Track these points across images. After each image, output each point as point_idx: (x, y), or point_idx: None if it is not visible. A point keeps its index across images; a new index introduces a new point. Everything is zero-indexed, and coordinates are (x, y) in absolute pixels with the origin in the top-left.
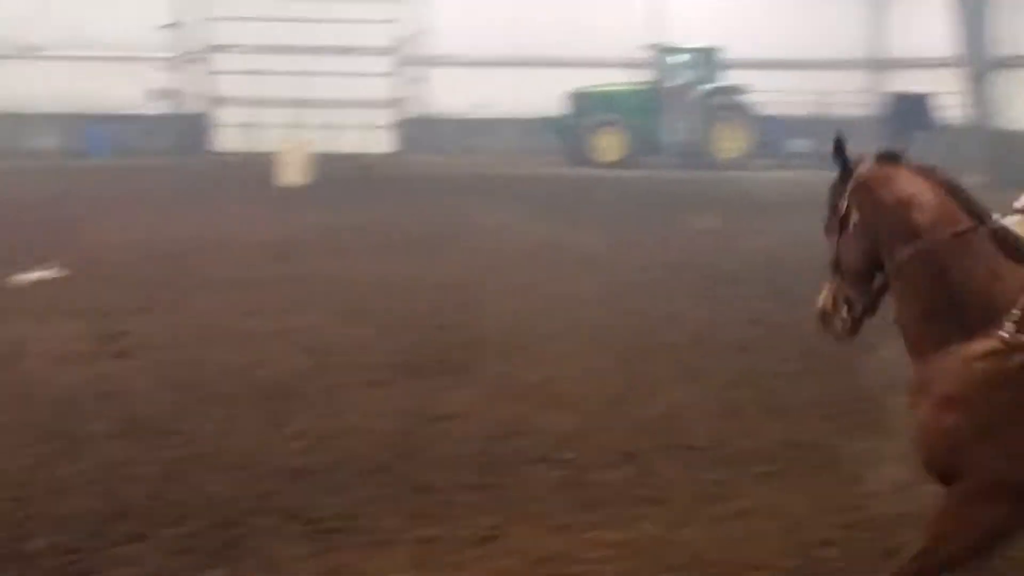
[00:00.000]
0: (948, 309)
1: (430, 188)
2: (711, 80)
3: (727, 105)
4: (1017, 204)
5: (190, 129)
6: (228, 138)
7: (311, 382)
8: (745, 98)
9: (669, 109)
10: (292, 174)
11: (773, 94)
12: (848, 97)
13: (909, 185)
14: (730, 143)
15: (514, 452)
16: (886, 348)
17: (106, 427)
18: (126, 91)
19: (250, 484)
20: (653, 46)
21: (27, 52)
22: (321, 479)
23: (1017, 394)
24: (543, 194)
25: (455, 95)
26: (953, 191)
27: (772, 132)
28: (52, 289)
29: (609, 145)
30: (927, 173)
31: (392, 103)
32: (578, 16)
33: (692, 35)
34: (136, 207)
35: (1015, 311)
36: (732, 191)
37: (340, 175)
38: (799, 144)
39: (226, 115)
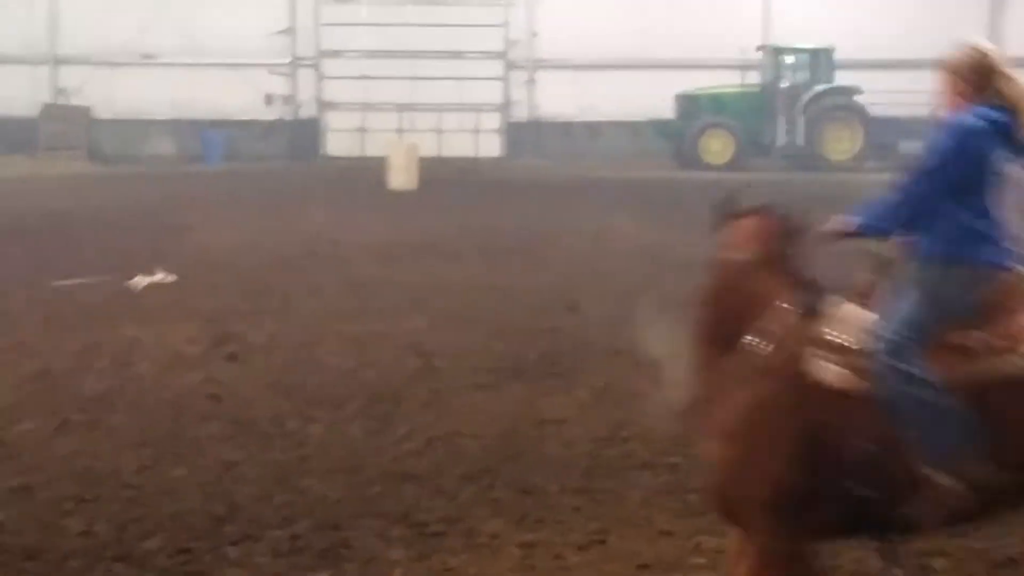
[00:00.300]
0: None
1: (537, 192)
2: (823, 81)
3: (839, 106)
4: (829, 227)
5: (302, 134)
6: (339, 143)
7: (418, 385)
8: (857, 99)
9: (779, 111)
10: (401, 178)
11: (886, 95)
12: None
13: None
14: (842, 145)
15: (619, 457)
16: None
17: (217, 429)
18: (240, 97)
19: (356, 487)
20: (763, 47)
21: (144, 59)
22: (427, 482)
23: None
24: (650, 197)
25: (562, 99)
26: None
27: (885, 134)
28: (165, 293)
29: (718, 148)
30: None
31: (500, 107)
32: (686, 18)
33: (803, 36)
34: (248, 211)
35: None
36: (843, 193)
37: (448, 179)
38: (913, 146)
39: (337, 120)
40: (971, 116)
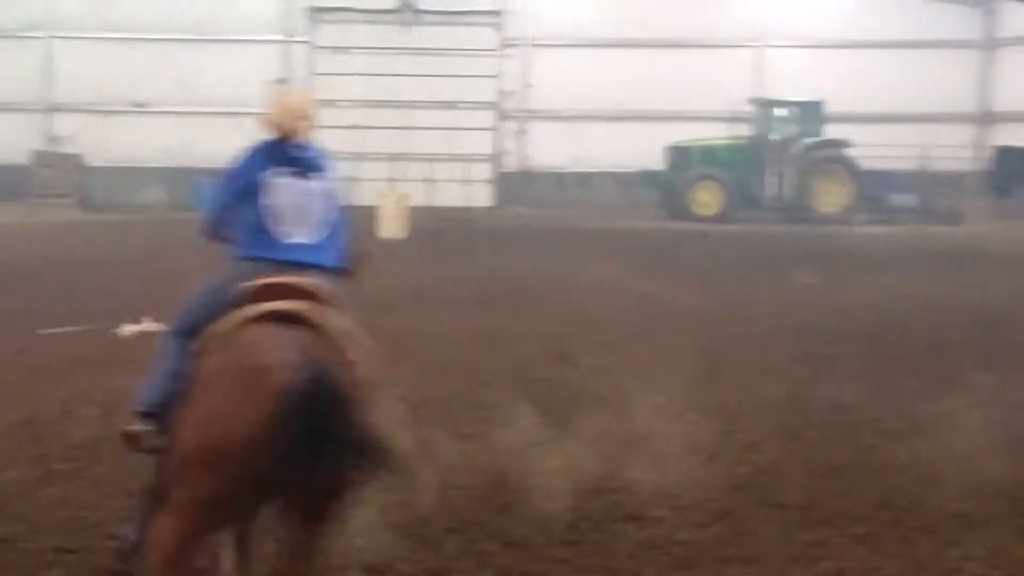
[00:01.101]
0: None
1: (528, 241)
2: (813, 134)
3: (829, 159)
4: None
5: None
6: None
7: (403, 433)
8: (848, 152)
9: (770, 163)
10: (392, 227)
11: (876, 148)
12: (953, 151)
13: None
14: (832, 197)
15: (606, 509)
16: (985, 409)
17: None
18: (234, 145)
19: (340, 539)
20: (755, 100)
21: (138, 108)
22: (412, 534)
23: None
24: (641, 248)
25: (554, 149)
26: None
27: (875, 186)
28: (153, 341)
29: (708, 199)
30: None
31: (491, 157)
32: (677, 70)
33: (794, 89)
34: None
35: None
36: (834, 246)
37: (439, 228)
38: (903, 199)
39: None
40: (255, 144)
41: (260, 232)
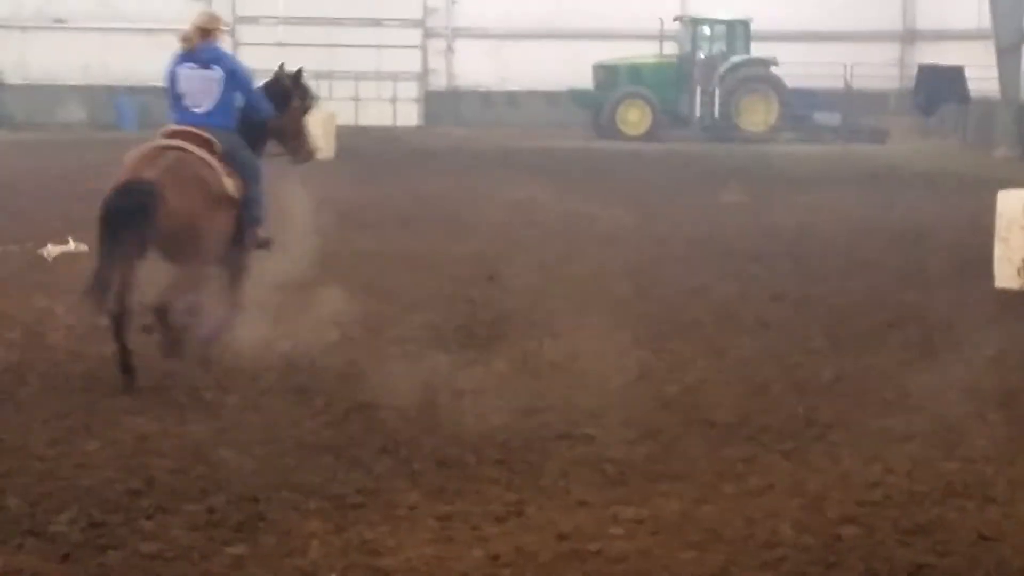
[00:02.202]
0: None
1: (456, 161)
2: (739, 53)
3: (755, 78)
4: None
5: None
6: None
7: (336, 355)
8: (773, 70)
9: (697, 82)
10: (318, 147)
11: (802, 66)
12: (878, 70)
13: None
14: (758, 116)
15: (537, 428)
16: (907, 326)
17: (131, 402)
18: (155, 63)
19: (273, 459)
20: (681, 18)
21: (56, 24)
22: (344, 454)
23: None
24: (569, 168)
25: (481, 68)
26: None
27: (800, 105)
28: (78, 262)
29: (636, 118)
30: None
31: (418, 76)
32: None
33: (720, 7)
34: None
35: None
36: (759, 165)
37: (366, 148)
38: (828, 117)
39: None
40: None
41: (177, 105)
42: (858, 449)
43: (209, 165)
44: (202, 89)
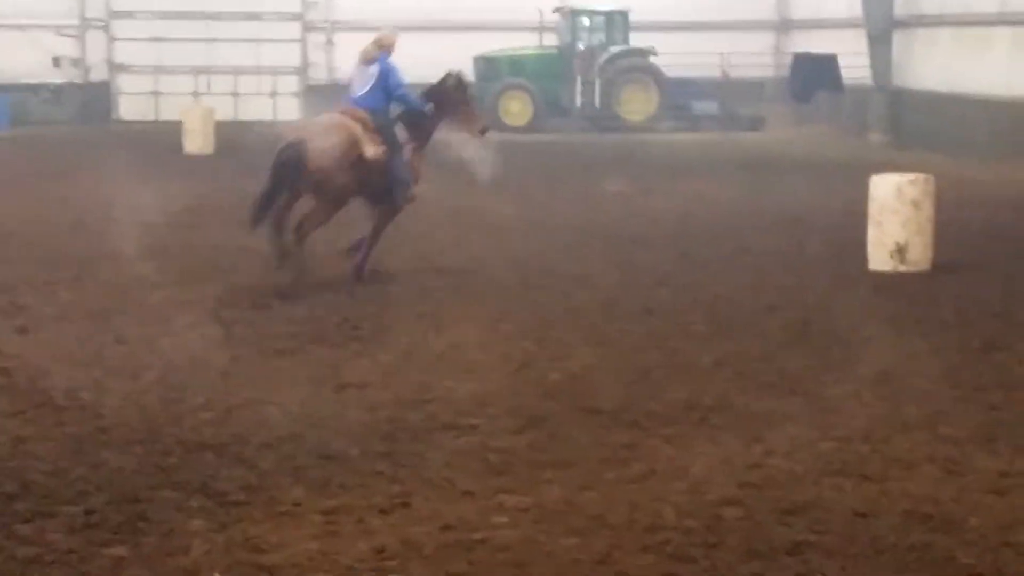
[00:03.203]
0: None
1: None
2: (618, 43)
3: (634, 68)
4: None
5: (94, 98)
6: (132, 107)
7: (218, 352)
8: (652, 60)
9: (577, 72)
10: (197, 142)
11: (680, 56)
12: (753, 59)
13: None
14: (638, 105)
15: (421, 420)
16: (785, 310)
17: (7, 404)
18: (26, 59)
19: (153, 458)
20: (560, 9)
21: None
22: (226, 451)
23: None
24: (450, 159)
25: None
26: None
27: (679, 94)
28: None
29: (517, 109)
30: None
31: (298, 70)
32: None
33: None
34: (38, 178)
35: None
36: (640, 154)
37: (246, 142)
38: (706, 106)
39: (130, 83)
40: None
41: (346, 93)
42: (739, 432)
43: (352, 134)
44: (361, 81)
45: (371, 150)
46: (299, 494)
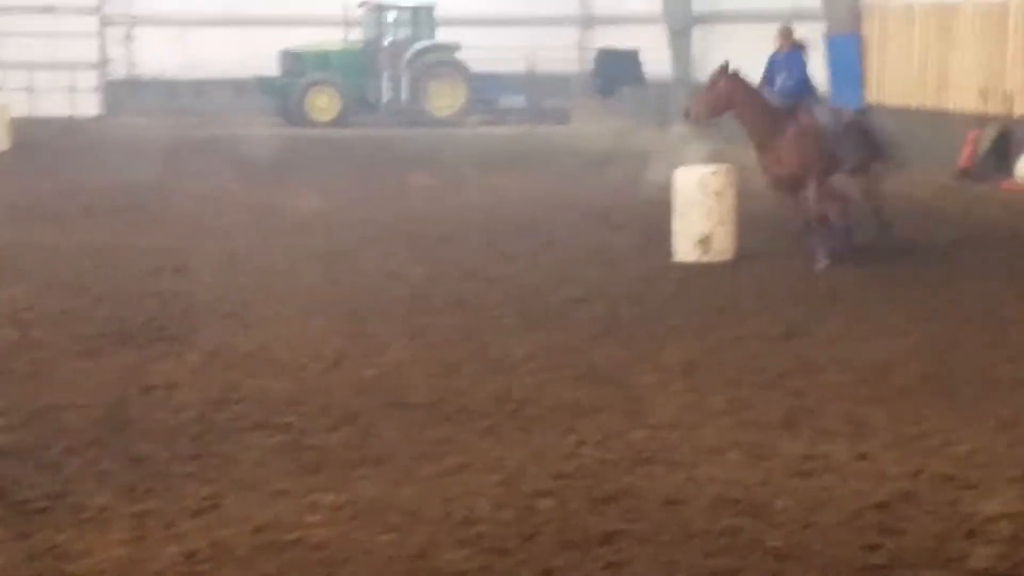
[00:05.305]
0: None
1: (141, 152)
2: (424, 38)
3: (441, 62)
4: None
5: None
6: None
7: (17, 356)
8: (458, 55)
9: (384, 67)
10: None
11: (486, 51)
12: (558, 53)
13: None
14: (445, 100)
15: (231, 419)
16: (594, 302)
17: None
18: None
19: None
20: (365, 3)
21: None
22: (28, 457)
23: None
24: (258, 156)
25: (164, 56)
26: None
27: (486, 89)
28: None
29: (324, 104)
30: None
31: (97, 64)
32: None
33: None
34: None
35: None
36: (448, 148)
37: (43, 139)
38: (512, 100)
39: None
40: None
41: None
42: (551, 423)
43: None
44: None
45: None
46: (105, 499)
